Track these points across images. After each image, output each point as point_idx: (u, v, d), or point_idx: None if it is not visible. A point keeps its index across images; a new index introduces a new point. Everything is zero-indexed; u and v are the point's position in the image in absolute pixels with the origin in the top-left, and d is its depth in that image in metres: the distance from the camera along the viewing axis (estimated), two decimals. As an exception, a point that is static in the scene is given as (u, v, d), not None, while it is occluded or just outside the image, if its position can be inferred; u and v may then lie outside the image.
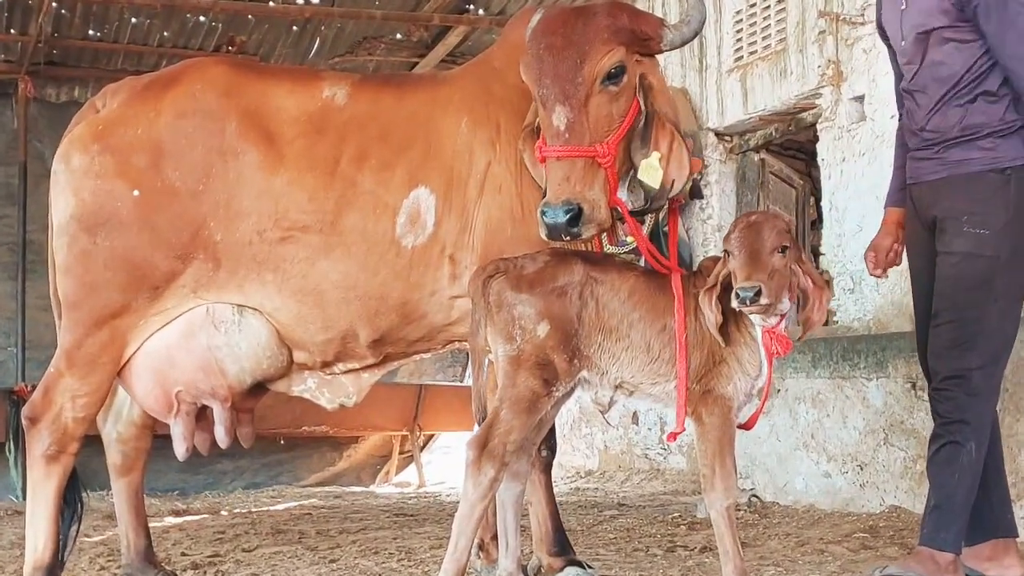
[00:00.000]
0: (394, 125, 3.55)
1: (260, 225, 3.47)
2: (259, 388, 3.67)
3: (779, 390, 5.94)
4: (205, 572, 4.25)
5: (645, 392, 3.20)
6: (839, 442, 5.61)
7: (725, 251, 3.08)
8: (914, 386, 5.18)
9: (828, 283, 3.21)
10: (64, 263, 3.53)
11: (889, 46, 3.65)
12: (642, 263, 3.40)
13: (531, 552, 3.75)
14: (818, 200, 6.92)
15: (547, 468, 3.71)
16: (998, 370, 3.40)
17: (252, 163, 3.48)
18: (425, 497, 7.78)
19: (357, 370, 3.65)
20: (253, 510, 6.95)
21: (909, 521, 4.97)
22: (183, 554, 4.76)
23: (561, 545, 3.65)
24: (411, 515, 6.26)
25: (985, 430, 3.36)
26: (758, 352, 3.11)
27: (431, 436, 9.29)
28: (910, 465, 5.21)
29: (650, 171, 3.28)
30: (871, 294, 5.84)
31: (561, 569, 3.57)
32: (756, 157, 7.43)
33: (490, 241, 3.45)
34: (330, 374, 3.65)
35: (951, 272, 3.37)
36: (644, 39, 3.30)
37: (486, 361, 3.21)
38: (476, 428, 3.20)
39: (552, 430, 3.62)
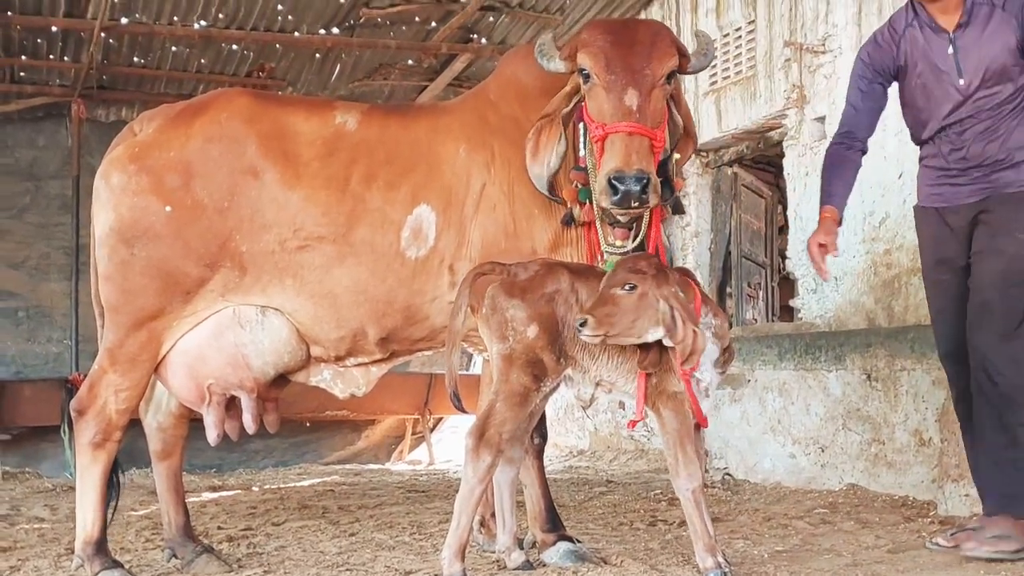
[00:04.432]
0: (399, 149, 3.53)
1: (281, 236, 3.44)
2: (281, 379, 3.65)
3: (749, 380, 5.90)
4: (239, 544, 4.23)
5: (620, 389, 3.18)
6: (802, 427, 5.57)
7: None
8: (869, 377, 5.15)
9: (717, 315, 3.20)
10: (105, 271, 3.50)
11: (881, 83, 3.58)
12: None
13: (527, 528, 3.72)
14: (785, 209, 6.88)
15: (539, 454, 3.68)
16: None
17: (272, 182, 3.46)
18: (435, 473, 7.76)
19: (367, 364, 3.64)
20: (282, 486, 6.93)
21: (864, 498, 4.94)
22: (219, 528, 4.74)
23: (553, 522, 3.61)
24: (422, 491, 6.24)
25: None
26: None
27: (440, 419, 9.27)
28: (865, 448, 5.18)
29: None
30: (831, 294, 5.79)
31: (553, 544, 3.53)
32: (729, 171, 7.38)
33: (486, 254, 3.42)
34: (343, 367, 3.63)
35: (1000, 267, 3.34)
36: (683, 56, 3.34)
37: (459, 342, 3.23)
38: (452, 398, 3.20)
39: (543, 419, 3.59)
